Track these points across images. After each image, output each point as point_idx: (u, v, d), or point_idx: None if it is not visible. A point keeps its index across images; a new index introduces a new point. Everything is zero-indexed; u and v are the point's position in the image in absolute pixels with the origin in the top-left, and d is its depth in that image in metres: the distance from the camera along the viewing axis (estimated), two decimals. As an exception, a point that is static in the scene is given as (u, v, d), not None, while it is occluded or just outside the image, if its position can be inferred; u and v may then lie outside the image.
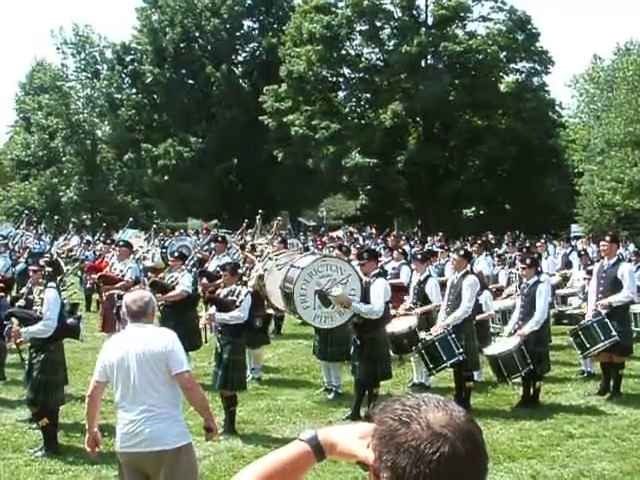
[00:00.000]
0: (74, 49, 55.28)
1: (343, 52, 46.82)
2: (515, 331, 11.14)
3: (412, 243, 28.29)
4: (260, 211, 20.32)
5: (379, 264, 12.93)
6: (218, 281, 12.45)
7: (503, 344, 11.14)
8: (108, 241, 21.11)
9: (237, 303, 10.18)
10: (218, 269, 13.80)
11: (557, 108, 48.62)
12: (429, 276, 12.68)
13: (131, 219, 26.77)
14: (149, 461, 5.82)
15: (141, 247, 20.64)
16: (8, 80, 72.59)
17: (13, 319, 9.74)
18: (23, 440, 9.65)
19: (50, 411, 9.25)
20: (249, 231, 22.30)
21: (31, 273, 10.24)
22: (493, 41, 43.97)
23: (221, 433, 9.15)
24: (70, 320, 10.12)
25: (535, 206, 42.39)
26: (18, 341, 10.16)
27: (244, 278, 11.34)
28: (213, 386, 10.28)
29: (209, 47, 52.15)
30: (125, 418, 5.87)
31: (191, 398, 6.05)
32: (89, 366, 12.13)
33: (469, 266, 11.84)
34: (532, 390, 11.22)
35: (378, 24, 46.02)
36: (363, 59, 47.49)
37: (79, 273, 21.80)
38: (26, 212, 32.28)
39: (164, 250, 21.86)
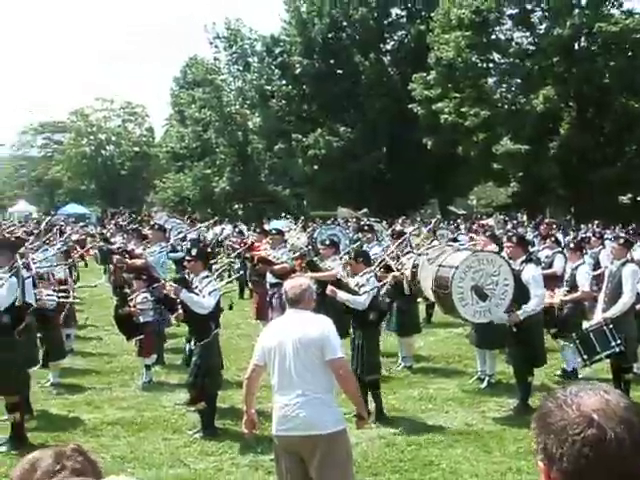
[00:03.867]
0: (226, 43, 56.66)
1: (493, 37, 45.97)
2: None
3: (566, 231, 27.59)
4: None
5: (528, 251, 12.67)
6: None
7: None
8: (257, 230, 21.38)
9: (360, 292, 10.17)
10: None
11: None
12: (582, 264, 12.38)
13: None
14: (304, 445, 5.88)
15: (298, 238, 20.95)
16: (165, 76, 75.25)
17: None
18: (182, 422, 10.00)
19: (208, 395, 9.54)
20: (400, 220, 22.25)
21: (186, 263, 10.57)
22: (652, 19, 42.15)
23: (372, 420, 9.22)
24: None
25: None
26: (168, 289, 10.18)
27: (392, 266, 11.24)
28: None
29: (357, 36, 52.29)
30: (281, 402, 5.97)
31: (343, 385, 6.07)
32: (244, 352, 12.46)
33: (629, 255, 11.43)
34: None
35: (529, 7, 44.98)
36: (513, 44, 46.41)
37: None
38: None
39: (314, 239, 22.07)
